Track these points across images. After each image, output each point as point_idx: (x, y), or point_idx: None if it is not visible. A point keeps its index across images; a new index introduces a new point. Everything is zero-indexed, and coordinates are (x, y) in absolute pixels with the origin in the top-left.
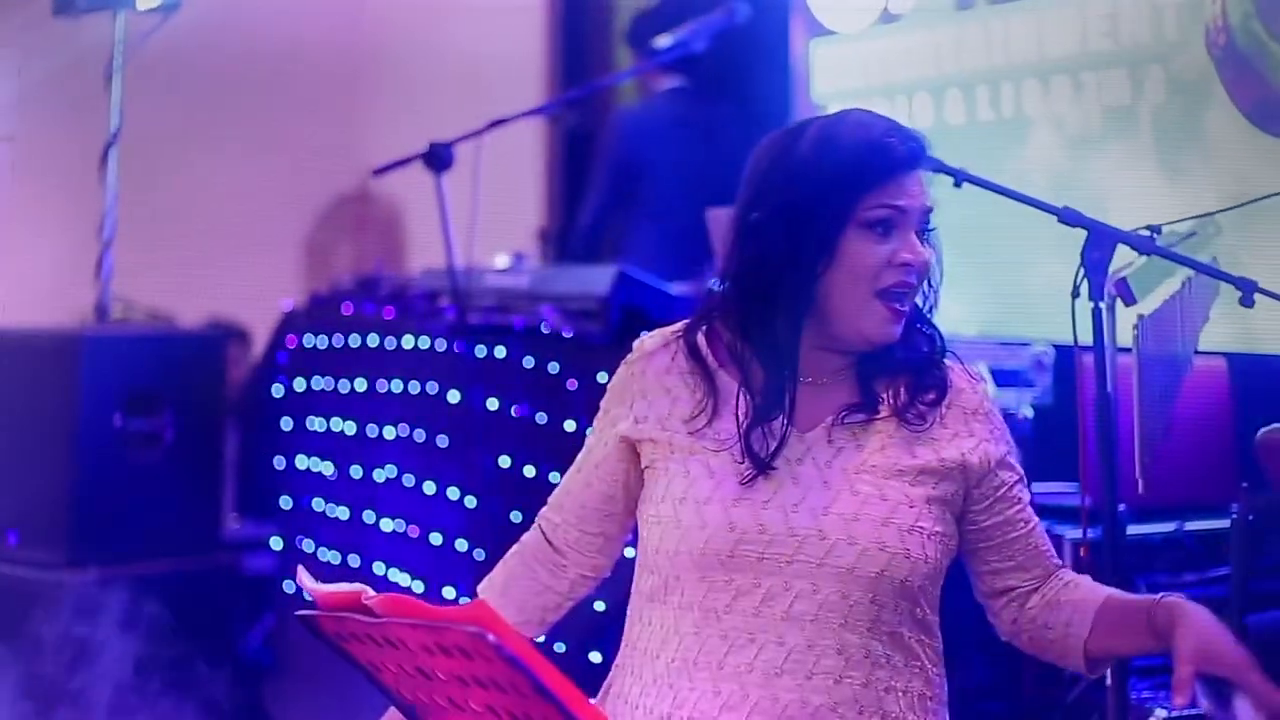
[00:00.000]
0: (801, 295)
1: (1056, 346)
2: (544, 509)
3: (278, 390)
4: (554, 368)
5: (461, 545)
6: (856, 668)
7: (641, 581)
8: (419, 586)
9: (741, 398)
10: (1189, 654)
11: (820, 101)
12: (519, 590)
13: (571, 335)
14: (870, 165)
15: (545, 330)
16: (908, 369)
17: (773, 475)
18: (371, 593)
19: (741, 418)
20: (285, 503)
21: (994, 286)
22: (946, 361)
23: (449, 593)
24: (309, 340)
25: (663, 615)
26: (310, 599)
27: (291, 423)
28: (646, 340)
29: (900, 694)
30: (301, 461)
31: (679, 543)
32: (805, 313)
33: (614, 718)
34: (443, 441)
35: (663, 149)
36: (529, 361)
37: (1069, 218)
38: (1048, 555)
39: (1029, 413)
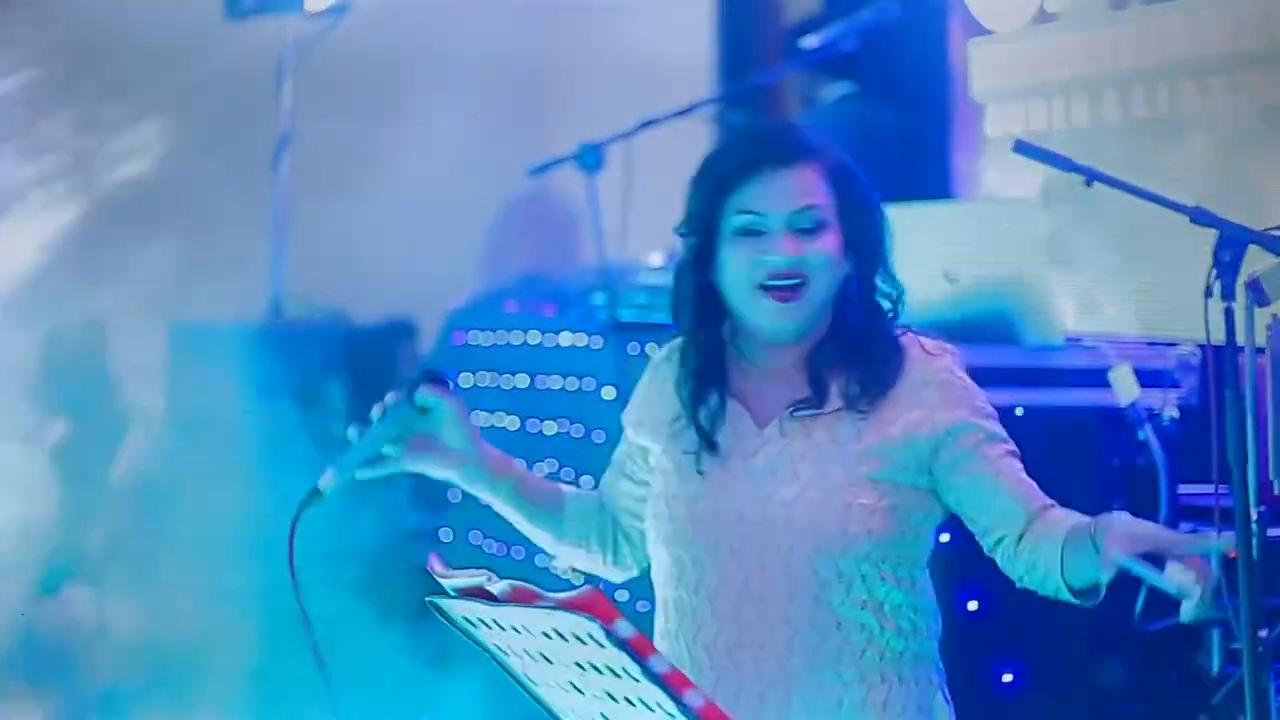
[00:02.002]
0: (704, 300)
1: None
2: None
3: None
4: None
5: None
6: (805, 638)
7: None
8: (578, 579)
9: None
10: (1115, 541)
11: (980, 100)
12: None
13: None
14: (720, 176)
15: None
16: (859, 359)
17: (729, 468)
18: (495, 579)
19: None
20: (454, 495)
21: (1154, 286)
22: (904, 340)
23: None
24: (474, 337)
25: (658, 592)
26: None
27: None
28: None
29: (857, 657)
30: None
31: (656, 532)
32: (713, 315)
33: None
34: (599, 437)
35: None
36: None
37: (1200, 217)
38: (1028, 500)
39: (1174, 413)
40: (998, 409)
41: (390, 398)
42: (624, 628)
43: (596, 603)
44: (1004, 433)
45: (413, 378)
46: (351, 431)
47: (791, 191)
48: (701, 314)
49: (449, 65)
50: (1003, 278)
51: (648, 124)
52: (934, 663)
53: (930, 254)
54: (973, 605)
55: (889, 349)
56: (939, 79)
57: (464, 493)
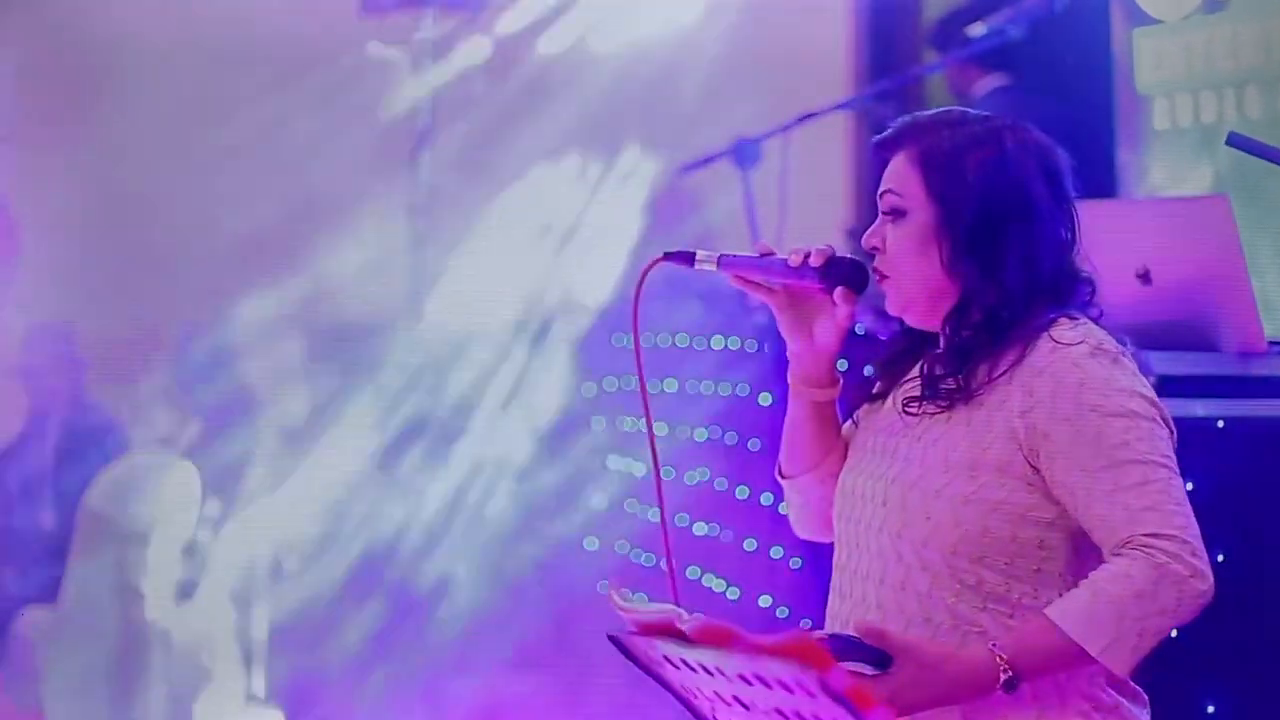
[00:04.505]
0: None
1: None
2: None
3: (589, 390)
4: (868, 370)
5: (776, 552)
6: (892, 624)
7: None
8: (734, 593)
9: None
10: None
11: (1146, 93)
12: None
13: (885, 338)
14: None
15: (858, 332)
16: (964, 347)
17: (867, 444)
18: (686, 616)
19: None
20: (600, 502)
21: None
22: (1048, 333)
23: (764, 601)
24: (619, 340)
25: None
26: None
27: (604, 422)
28: None
29: None
30: (614, 462)
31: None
32: None
33: None
34: (755, 445)
35: None
36: (841, 364)
37: None
38: (1110, 529)
39: None
40: (1197, 420)
41: (813, 258)
42: (840, 678)
43: (808, 649)
44: (1124, 437)
45: (849, 269)
46: (764, 243)
47: (884, 179)
48: None
49: (584, 62)
50: (1201, 279)
51: (805, 118)
52: (1070, 694)
53: (1121, 252)
54: (1173, 631)
55: (998, 338)
56: (1100, 70)
57: (609, 500)
